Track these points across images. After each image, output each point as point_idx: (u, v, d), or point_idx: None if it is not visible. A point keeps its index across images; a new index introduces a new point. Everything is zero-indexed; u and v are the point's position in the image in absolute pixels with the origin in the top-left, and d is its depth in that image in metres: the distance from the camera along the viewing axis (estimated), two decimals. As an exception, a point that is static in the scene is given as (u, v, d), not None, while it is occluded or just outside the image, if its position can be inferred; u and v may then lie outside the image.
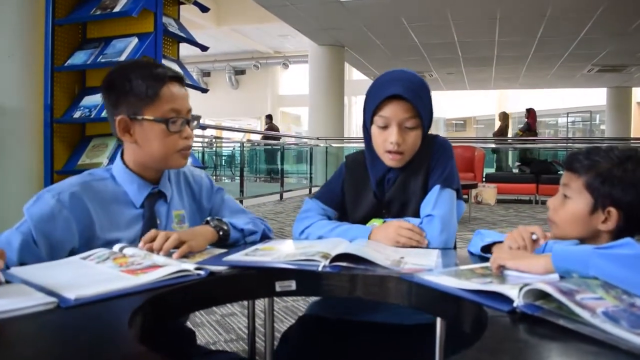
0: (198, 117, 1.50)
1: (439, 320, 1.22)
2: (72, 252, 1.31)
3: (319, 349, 1.46)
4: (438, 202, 1.53)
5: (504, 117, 13.47)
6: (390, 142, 1.54)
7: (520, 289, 0.90)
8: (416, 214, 1.58)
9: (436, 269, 1.19)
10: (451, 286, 1.03)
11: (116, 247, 1.30)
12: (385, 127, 1.55)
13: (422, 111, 1.54)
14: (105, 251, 1.28)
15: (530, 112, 12.89)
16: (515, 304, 0.89)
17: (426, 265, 1.21)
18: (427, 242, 1.48)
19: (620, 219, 1.22)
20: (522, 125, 13.25)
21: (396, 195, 1.61)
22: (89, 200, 1.36)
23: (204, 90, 3.80)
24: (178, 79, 1.45)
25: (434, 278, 1.09)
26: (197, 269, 1.13)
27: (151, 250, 1.26)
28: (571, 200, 1.28)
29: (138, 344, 0.76)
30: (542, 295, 0.90)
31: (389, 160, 1.58)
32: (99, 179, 1.43)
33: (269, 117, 15.58)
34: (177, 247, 1.28)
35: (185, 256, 1.27)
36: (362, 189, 1.67)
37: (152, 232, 1.30)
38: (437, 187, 1.55)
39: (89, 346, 0.77)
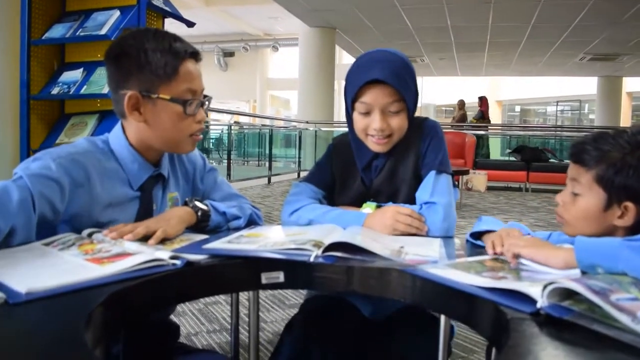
0: (210, 98, 1.37)
1: (442, 317, 1.10)
2: (53, 226, 1.17)
3: (324, 340, 1.34)
4: (436, 188, 1.43)
5: (461, 105, 13.45)
6: (373, 128, 1.43)
7: (545, 287, 0.78)
8: (406, 202, 1.47)
9: (441, 260, 1.07)
10: (462, 282, 0.91)
11: (85, 232, 1.16)
12: (367, 113, 1.44)
13: (406, 94, 1.42)
14: (72, 236, 1.14)
15: (483, 100, 12.97)
16: (538, 305, 0.77)
17: (429, 257, 1.09)
18: (427, 229, 1.37)
19: (639, 213, 1.09)
20: (475, 114, 13.27)
21: (384, 184, 1.50)
22: (91, 169, 1.22)
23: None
24: (195, 56, 1.31)
25: (440, 272, 0.96)
26: (172, 257, 1.00)
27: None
28: (582, 197, 1.15)
29: (93, 351, 0.63)
30: (568, 294, 0.78)
31: (374, 145, 1.47)
32: (99, 151, 1.29)
33: None
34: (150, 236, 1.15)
35: (160, 242, 1.14)
36: (349, 174, 1.57)
37: (120, 226, 1.17)
38: (432, 173, 1.45)
39: (35, 354, 0.63)
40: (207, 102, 1.35)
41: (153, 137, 1.30)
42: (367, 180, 1.53)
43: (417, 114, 1.53)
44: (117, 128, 1.33)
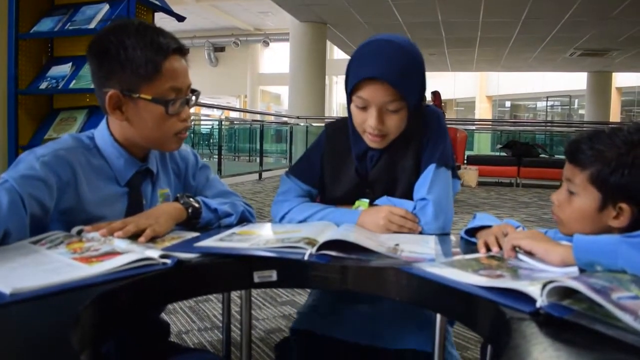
0: (198, 93, 1.31)
1: (438, 316, 1.08)
2: (44, 224, 1.14)
3: None
4: (433, 183, 1.38)
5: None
6: (369, 125, 1.37)
7: (544, 285, 0.76)
8: (405, 194, 1.43)
9: (437, 258, 1.05)
10: (461, 281, 0.89)
11: (74, 230, 1.14)
12: (364, 108, 1.37)
13: (407, 92, 1.34)
14: (61, 234, 1.11)
15: (436, 95, 12.98)
16: (538, 304, 0.75)
17: (425, 254, 1.07)
18: (421, 230, 1.35)
19: (634, 214, 1.06)
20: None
21: (381, 174, 1.45)
22: (76, 165, 1.19)
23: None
24: (181, 51, 1.26)
25: (438, 270, 0.95)
26: (162, 256, 0.98)
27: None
28: (577, 197, 1.12)
29: (79, 355, 0.60)
30: (568, 293, 0.76)
31: (370, 142, 1.42)
32: (84, 147, 1.26)
33: None
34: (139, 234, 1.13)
35: (150, 240, 1.12)
36: (342, 163, 1.51)
37: (105, 224, 1.14)
38: (432, 167, 1.40)
39: (19, 358, 0.61)
40: (193, 98, 1.30)
41: (136, 136, 1.27)
42: (361, 170, 1.48)
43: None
44: (102, 124, 1.30)
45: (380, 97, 1.34)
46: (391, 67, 1.31)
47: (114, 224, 1.12)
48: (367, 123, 1.37)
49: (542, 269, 0.97)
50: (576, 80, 20.89)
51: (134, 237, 1.11)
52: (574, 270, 0.93)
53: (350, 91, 1.39)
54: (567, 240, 1.03)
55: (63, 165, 1.17)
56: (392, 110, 1.36)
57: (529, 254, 1.03)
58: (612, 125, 1.17)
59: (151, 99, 1.21)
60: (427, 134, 1.44)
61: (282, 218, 1.48)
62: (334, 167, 1.52)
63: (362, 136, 1.43)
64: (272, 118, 15.95)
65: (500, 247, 1.11)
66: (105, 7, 2.97)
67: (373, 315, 1.34)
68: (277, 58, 23.67)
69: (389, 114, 1.36)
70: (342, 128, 1.52)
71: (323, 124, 12.52)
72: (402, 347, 1.28)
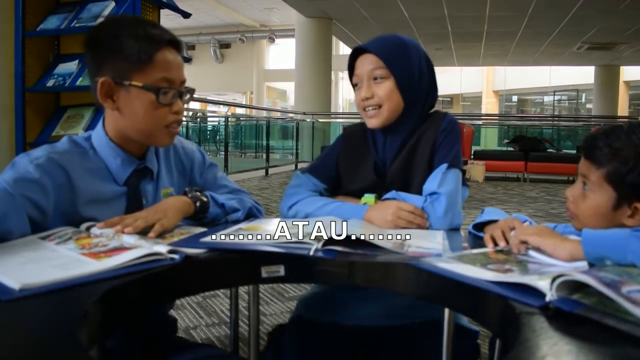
0: (192, 90, 1.32)
1: (447, 311, 1.08)
2: (45, 228, 1.13)
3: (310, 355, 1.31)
4: (445, 181, 1.38)
5: None
6: (360, 99, 1.46)
7: (553, 280, 0.76)
8: (418, 193, 1.43)
9: (445, 253, 1.04)
10: (469, 276, 0.88)
11: (83, 226, 1.14)
12: (359, 88, 1.48)
13: (391, 64, 1.42)
14: (69, 230, 1.12)
15: None
16: (547, 299, 0.75)
17: (433, 249, 1.07)
18: (429, 225, 1.35)
19: None
20: None
21: (398, 174, 1.46)
22: (70, 168, 1.19)
23: (186, 60, 3.61)
24: (175, 45, 1.26)
25: (446, 265, 0.94)
26: (170, 252, 0.98)
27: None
28: (592, 193, 1.10)
29: (88, 351, 0.61)
30: (577, 287, 0.76)
31: (367, 120, 1.47)
32: (80, 150, 1.26)
33: None
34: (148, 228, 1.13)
35: (158, 235, 1.12)
36: (360, 164, 1.52)
37: (117, 218, 1.15)
38: (444, 166, 1.40)
39: (28, 353, 0.61)
40: (187, 95, 1.30)
41: (128, 127, 1.26)
42: (380, 164, 1.49)
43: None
44: (99, 124, 1.30)
45: (366, 66, 1.45)
46: (376, 42, 1.46)
47: (126, 220, 1.13)
48: (360, 98, 1.46)
49: (551, 263, 0.97)
50: (583, 74, 20.79)
51: (142, 232, 1.12)
52: (583, 264, 0.93)
53: (350, 80, 1.51)
54: (576, 235, 1.02)
55: (56, 168, 1.17)
56: (379, 78, 1.44)
57: (537, 249, 1.02)
58: (631, 121, 1.16)
59: (142, 86, 1.20)
60: (442, 137, 1.46)
61: (290, 208, 1.49)
62: (351, 167, 1.54)
63: (365, 121, 1.49)
64: (278, 114, 15.91)
65: (507, 242, 1.10)
66: (111, 4, 2.97)
67: (376, 296, 1.35)
68: (282, 54, 23.68)
69: (377, 83, 1.44)
70: (358, 131, 1.57)
71: (329, 120, 12.56)
72: (410, 321, 1.30)
